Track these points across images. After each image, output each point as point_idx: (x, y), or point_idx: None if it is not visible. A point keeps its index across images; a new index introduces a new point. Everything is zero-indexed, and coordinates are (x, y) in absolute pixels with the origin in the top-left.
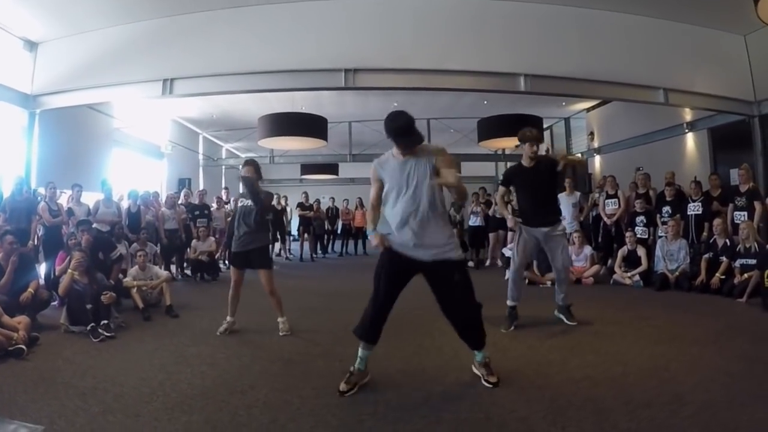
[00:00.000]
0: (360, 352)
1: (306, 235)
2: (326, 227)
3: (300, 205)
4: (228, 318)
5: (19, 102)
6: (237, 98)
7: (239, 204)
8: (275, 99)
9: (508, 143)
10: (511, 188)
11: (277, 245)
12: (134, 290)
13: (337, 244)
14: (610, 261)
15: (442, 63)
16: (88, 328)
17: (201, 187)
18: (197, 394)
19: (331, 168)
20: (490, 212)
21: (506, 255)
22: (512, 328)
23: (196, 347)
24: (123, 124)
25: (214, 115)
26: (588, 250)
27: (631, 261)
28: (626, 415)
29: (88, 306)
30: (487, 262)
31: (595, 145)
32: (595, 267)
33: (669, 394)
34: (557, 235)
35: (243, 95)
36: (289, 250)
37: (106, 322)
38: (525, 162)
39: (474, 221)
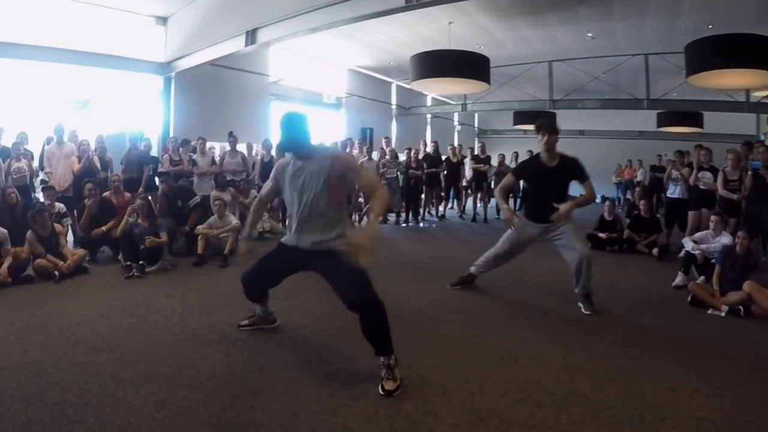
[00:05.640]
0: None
1: (479, 192)
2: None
3: (474, 158)
4: None
5: (154, 70)
6: (403, 43)
7: None
8: (442, 39)
9: (731, 80)
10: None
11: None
12: (200, 237)
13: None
14: None
15: None
16: (123, 265)
17: (393, 137)
18: (97, 336)
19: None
20: (691, 181)
21: (686, 248)
22: (457, 287)
23: (173, 299)
24: (279, 77)
25: (390, 62)
26: (726, 239)
27: None
28: None
29: (142, 247)
30: (683, 252)
31: None
32: None
33: None
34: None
35: (405, 39)
36: (464, 208)
37: (142, 263)
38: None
39: (673, 191)
